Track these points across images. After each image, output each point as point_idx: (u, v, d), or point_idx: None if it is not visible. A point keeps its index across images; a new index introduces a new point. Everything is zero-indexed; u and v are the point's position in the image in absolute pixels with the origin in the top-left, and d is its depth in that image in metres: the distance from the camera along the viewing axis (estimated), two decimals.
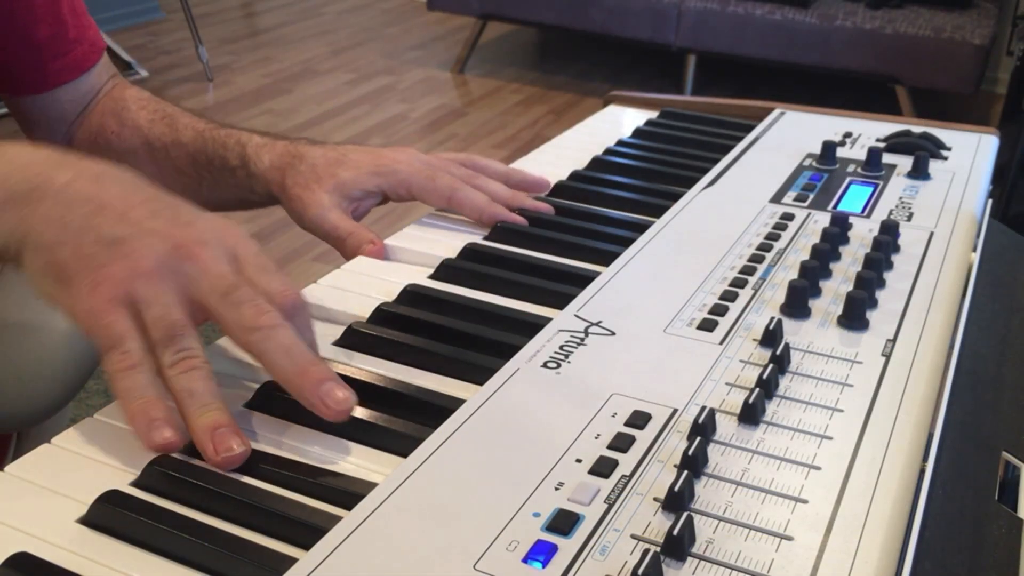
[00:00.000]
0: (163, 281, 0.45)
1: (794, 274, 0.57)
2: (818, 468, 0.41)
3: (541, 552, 0.36)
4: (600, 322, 0.52)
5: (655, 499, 0.39)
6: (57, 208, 0.45)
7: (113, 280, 0.44)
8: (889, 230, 0.61)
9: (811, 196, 0.69)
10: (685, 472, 0.39)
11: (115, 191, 0.47)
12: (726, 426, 0.44)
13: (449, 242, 0.65)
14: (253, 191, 0.73)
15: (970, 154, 0.77)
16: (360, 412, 0.46)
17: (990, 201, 0.72)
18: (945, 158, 0.76)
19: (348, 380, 0.49)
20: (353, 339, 0.53)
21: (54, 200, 0.46)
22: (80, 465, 0.42)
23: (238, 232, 0.49)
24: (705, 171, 0.74)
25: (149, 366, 0.44)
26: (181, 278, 0.45)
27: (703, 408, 0.43)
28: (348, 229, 0.66)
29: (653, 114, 0.92)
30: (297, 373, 0.44)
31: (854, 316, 0.52)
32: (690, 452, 0.40)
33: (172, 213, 0.47)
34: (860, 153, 0.77)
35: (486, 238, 0.66)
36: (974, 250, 0.63)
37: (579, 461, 0.41)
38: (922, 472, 0.42)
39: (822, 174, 0.73)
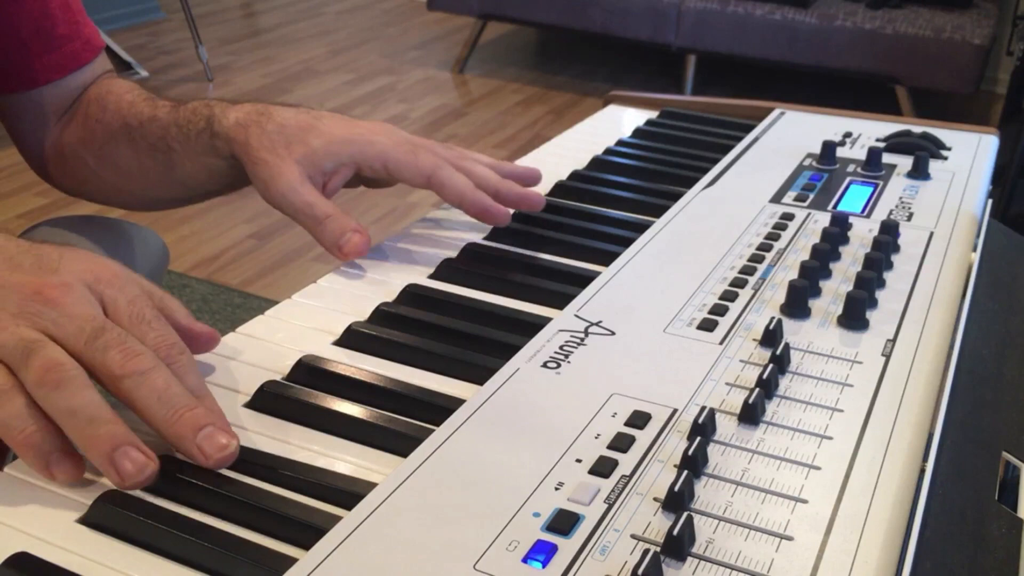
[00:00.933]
0: (20, 328, 0.41)
1: (794, 274, 0.57)
2: (818, 468, 0.41)
3: (541, 552, 0.36)
4: (600, 322, 0.52)
5: (655, 499, 0.39)
6: None
7: None
8: (889, 230, 0.61)
9: (811, 196, 0.69)
10: (685, 472, 0.39)
11: None
12: (726, 426, 0.44)
13: (449, 242, 0.65)
14: (219, 154, 0.65)
15: (970, 154, 0.77)
16: (360, 412, 0.46)
17: (990, 201, 0.72)
18: (945, 158, 0.76)
19: (348, 380, 0.49)
20: (353, 339, 0.53)
21: None
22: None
23: (112, 272, 0.46)
24: (705, 171, 0.74)
25: (22, 394, 0.40)
26: (42, 322, 0.42)
27: (703, 408, 0.43)
28: (326, 210, 0.60)
29: (653, 114, 0.92)
30: (172, 420, 0.41)
31: (854, 316, 0.52)
32: (690, 452, 0.40)
33: (34, 262, 0.44)
34: (860, 153, 0.77)
35: (486, 238, 0.66)
36: (974, 250, 0.63)
37: (579, 461, 0.41)
38: (922, 472, 0.42)
39: (822, 174, 0.73)
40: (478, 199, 0.63)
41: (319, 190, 0.62)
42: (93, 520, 0.39)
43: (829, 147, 0.75)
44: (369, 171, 0.64)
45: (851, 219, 0.64)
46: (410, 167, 0.63)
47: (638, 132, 0.87)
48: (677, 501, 0.38)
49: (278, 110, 0.64)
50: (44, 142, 0.77)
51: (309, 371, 0.49)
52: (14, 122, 0.76)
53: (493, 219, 0.64)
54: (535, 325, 0.52)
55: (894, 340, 0.51)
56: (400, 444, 0.44)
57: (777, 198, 0.69)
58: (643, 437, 0.43)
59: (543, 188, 0.74)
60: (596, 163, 0.80)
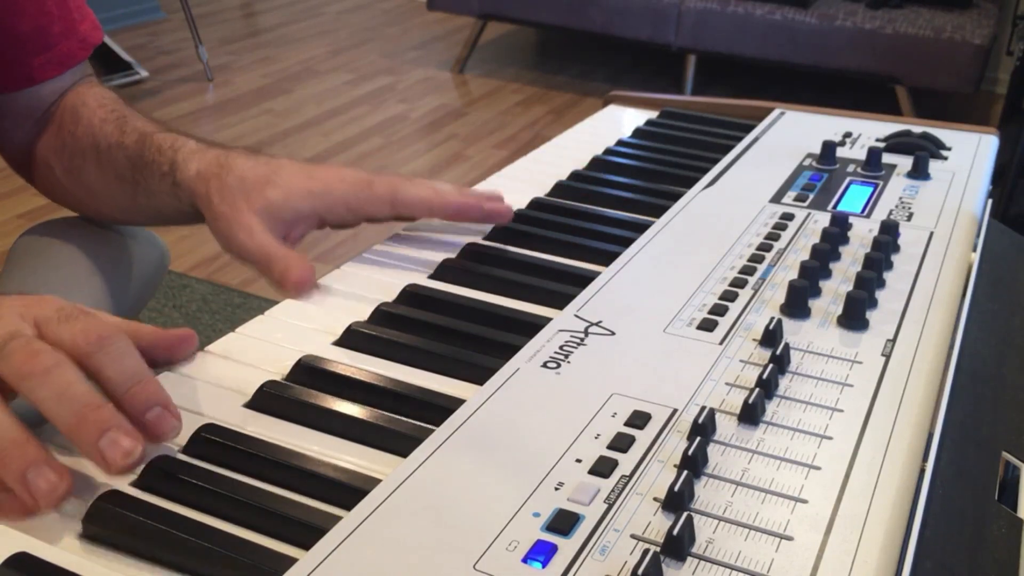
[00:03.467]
0: None
1: (794, 274, 0.57)
2: (818, 468, 0.41)
3: (541, 552, 0.36)
4: (600, 322, 0.52)
5: (655, 499, 0.39)
6: None
7: None
8: (889, 230, 0.61)
9: (811, 196, 0.69)
10: (685, 472, 0.39)
11: None
12: (726, 426, 0.44)
13: (449, 242, 0.65)
14: (180, 200, 0.65)
15: (970, 154, 0.77)
16: (360, 412, 0.46)
17: (990, 201, 0.72)
18: (945, 158, 0.76)
19: (348, 380, 0.49)
20: (353, 339, 0.53)
21: None
22: (79, 465, 0.42)
23: (46, 299, 0.45)
24: (705, 171, 0.74)
25: None
26: None
27: (703, 408, 0.43)
28: (277, 253, 0.60)
29: (653, 114, 0.92)
30: (73, 421, 0.40)
31: (854, 316, 0.52)
32: (690, 452, 0.40)
33: None
34: (860, 153, 0.77)
35: (486, 238, 0.66)
36: (974, 250, 0.63)
37: (579, 461, 0.41)
38: (922, 472, 0.42)
39: (822, 174, 0.73)
40: (447, 199, 0.62)
41: (279, 238, 0.62)
42: (93, 520, 0.39)
43: (829, 147, 0.75)
44: (334, 219, 0.63)
45: (851, 219, 0.64)
46: (371, 199, 0.62)
47: (638, 132, 0.87)
48: (677, 501, 0.38)
49: (238, 161, 0.63)
50: (26, 142, 0.75)
51: (309, 371, 0.49)
52: None
53: (468, 214, 0.64)
54: (535, 325, 0.52)
55: (894, 340, 0.51)
56: (400, 444, 0.44)
57: (777, 198, 0.69)
58: (643, 437, 0.43)
59: (543, 188, 0.75)
60: (596, 163, 0.80)
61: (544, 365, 0.48)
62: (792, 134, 0.82)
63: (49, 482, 0.38)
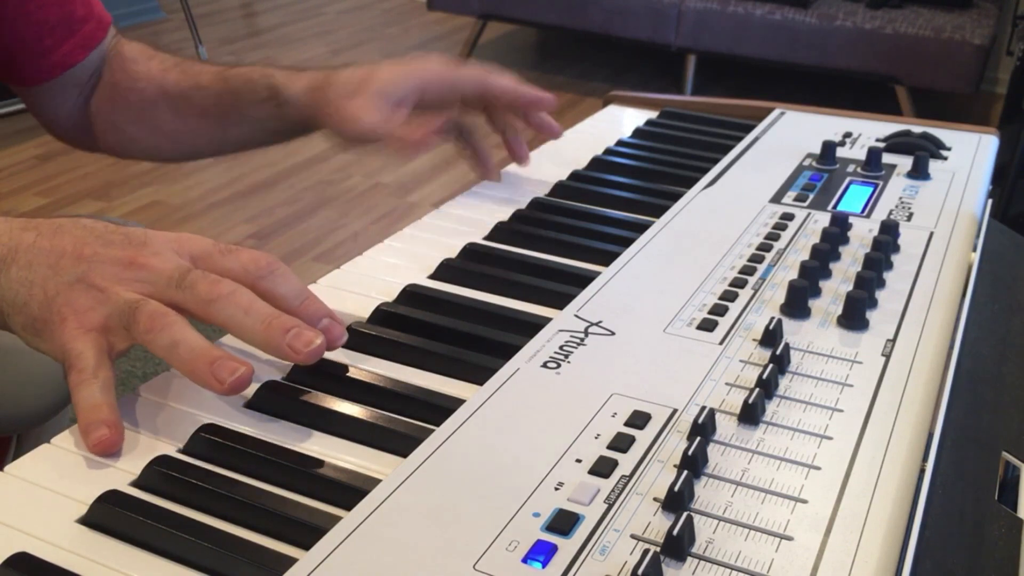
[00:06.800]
0: (122, 292, 0.46)
1: (794, 274, 0.57)
2: (818, 468, 0.41)
3: (541, 552, 0.36)
4: (600, 322, 0.52)
5: (655, 499, 0.39)
6: (23, 270, 0.47)
7: (77, 312, 0.46)
8: (889, 230, 0.61)
9: (811, 196, 0.69)
10: (685, 472, 0.39)
11: (70, 238, 0.48)
12: (726, 426, 0.44)
13: (449, 242, 0.65)
14: (285, 119, 0.74)
15: (970, 154, 0.77)
16: (360, 412, 0.46)
17: (990, 201, 0.72)
18: (945, 158, 0.76)
19: (348, 380, 0.49)
20: (353, 339, 0.53)
21: (21, 263, 0.47)
22: (80, 465, 0.42)
23: (194, 238, 0.51)
24: (705, 171, 0.74)
25: (103, 376, 0.45)
26: (139, 286, 0.47)
27: (703, 408, 0.43)
28: (394, 122, 0.68)
29: (653, 114, 0.92)
30: (262, 328, 0.46)
31: (854, 316, 0.52)
32: (690, 452, 0.40)
33: (123, 239, 0.48)
34: (860, 153, 0.77)
35: (486, 238, 0.66)
36: (974, 250, 0.63)
37: (579, 461, 0.41)
38: (922, 472, 0.42)
39: (822, 174, 0.73)
40: (529, 90, 0.72)
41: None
42: (93, 520, 0.39)
43: (829, 147, 0.75)
44: (433, 96, 0.71)
45: (851, 219, 0.64)
46: (463, 76, 0.72)
47: (638, 132, 0.87)
48: (677, 501, 0.38)
49: (340, 71, 0.71)
50: (73, 118, 0.80)
51: (309, 371, 0.49)
52: (37, 108, 0.79)
53: (542, 105, 0.74)
54: (535, 325, 0.52)
55: (894, 340, 0.51)
56: (400, 444, 0.44)
57: (777, 198, 0.69)
58: (643, 437, 0.43)
59: (543, 188, 0.75)
60: (596, 163, 0.80)
61: (544, 365, 0.48)
62: (792, 134, 0.82)
63: (232, 369, 0.44)
